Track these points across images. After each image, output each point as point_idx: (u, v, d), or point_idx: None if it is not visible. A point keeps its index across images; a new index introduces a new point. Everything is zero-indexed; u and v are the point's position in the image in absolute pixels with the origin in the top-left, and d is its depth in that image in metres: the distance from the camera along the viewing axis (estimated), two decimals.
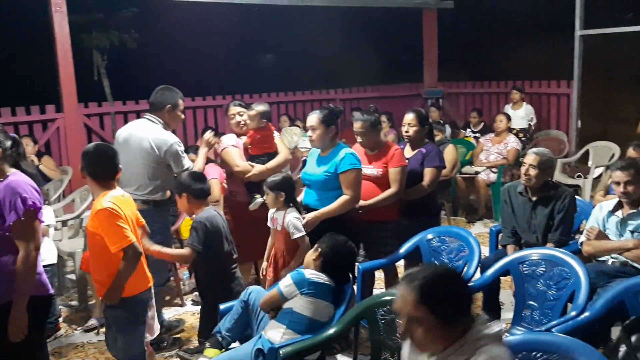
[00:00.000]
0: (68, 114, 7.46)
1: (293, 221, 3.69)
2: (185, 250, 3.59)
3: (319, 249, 3.14)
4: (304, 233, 3.68)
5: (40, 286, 2.82)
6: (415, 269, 1.88)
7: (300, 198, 4.02)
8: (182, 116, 4.17)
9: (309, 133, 3.86)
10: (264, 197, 3.97)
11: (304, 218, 3.74)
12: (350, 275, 3.25)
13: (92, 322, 4.52)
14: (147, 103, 8.37)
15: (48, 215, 4.50)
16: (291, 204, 3.80)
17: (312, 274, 3.05)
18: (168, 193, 4.14)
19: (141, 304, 3.11)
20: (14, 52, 11.21)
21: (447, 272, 1.88)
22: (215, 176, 5.41)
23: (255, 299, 3.20)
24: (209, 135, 4.27)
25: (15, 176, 2.73)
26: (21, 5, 7.95)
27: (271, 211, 3.91)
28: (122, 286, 2.96)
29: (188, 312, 4.74)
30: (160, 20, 11.33)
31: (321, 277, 3.04)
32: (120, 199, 3.02)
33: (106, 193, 2.99)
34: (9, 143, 2.78)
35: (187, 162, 3.97)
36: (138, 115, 8.39)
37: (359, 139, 4.13)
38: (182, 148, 3.98)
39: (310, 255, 3.17)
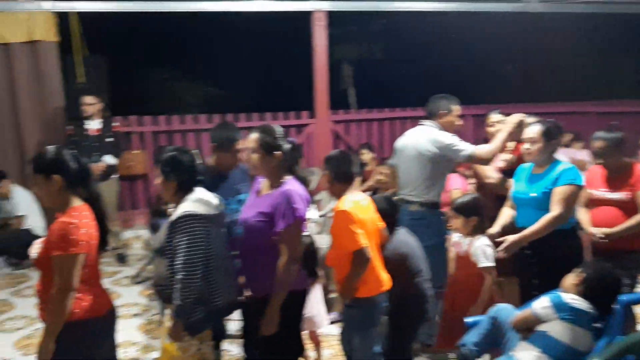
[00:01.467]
0: (319, 120, 8.06)
1: (483, 248, 3.46)
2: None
3: (583, 274, 2.92)
4: (493, 264, 3.44)
5: (299, 281, 3.02)
6: None
7: (505, 219, 3.78)
8: (458, 122, 4.23)
9: (527, 146, 3.61)
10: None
11: (500, 243, 3.45)
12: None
13: (332, 315, 4.80)
14: (390, 111, 8.78)
15: (311, 211, 4.91)
16: (482, 231, 3.55)
17: (572, 299, 2.84)
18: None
19: (375, 306, 3.23)
20: (278, 62, 12.47)
21: None
22: (457, 187, 5.36)
23: (505, 316, 3.09)
24: (518, 116, 4.03)
25: (290, 185, 2.93)
26: (285, 19, 8.78)
27: (455, 234, 3.70)
28: (352, 287, 3.12)
29: None
30: (404, 31, 11.62)
31: (582, 304, 2.82)
32: (359, 204, 3.19)
33: (346, 196, 3.19)
34: (288, 146, 3.00)
35: (466, 147, 3.97)
36: (380, 122, 8.79)
37: (598, 160, 3.80)
38: (457, 139, 4.05)
39: (571, 279, 2.96)
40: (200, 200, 2.93)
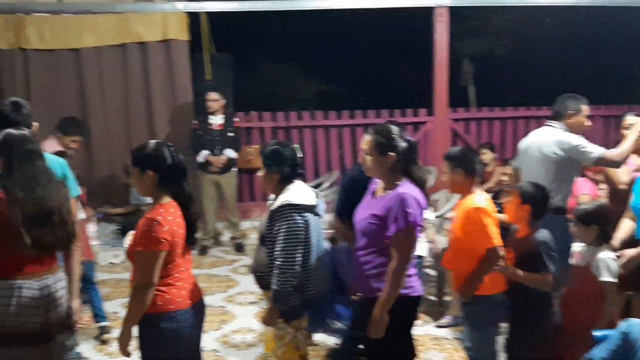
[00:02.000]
0: (438, 118, 7.92)
1: (606, 260, 3.19)
2: (544, 276, 3.23)
3: None
4: (615, 280, 3.17)
5: (410, 286, 2.92)
6: None
7: (624, 231, 3.51)
8: (586, 123, 4.08)
9: None
10: None
11: (618, 257, 3.23)
12: None
13: (447, 319, 4.69)
14: (513, 110, 8.44)
15: (427, 213, 4.87)
16: (606, 241, 3.29)
17: None
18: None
19: (495, 305, 3.18)
20: (395, 58, 12.38)
21: None
22: (586, 192, 5.05)
23: (638, 332, 2.85)
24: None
25: (404, 188, 2.83)
26: (404, 14, 8.71)
27: (577, 244, 3.45)
28: (476, 283, 3.09)
29: None
30: (528, 26, 11.11)
31: None
32: (489, 201, 3.15)
33: (474, 192, 3.16)
34: (404, 145, 2.88)
35: (594, 149, 3.83)
36: (502, 122, 8.47)
37: None
38: (584, 140, 3.91)
39: None
40: (299, 192, 3.06)
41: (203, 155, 6.57)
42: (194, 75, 7.46)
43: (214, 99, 6.68)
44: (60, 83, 7.28)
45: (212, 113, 6.69)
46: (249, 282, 5.64)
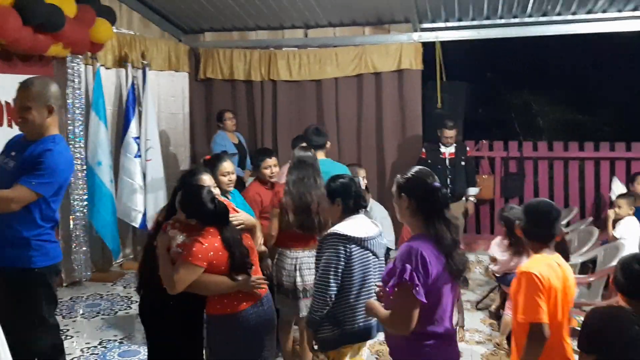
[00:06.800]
0: None
1: None
2: None
3: None
4: None
5: None
6: None
7: None
8: None
9: None
10: None
11: None
12: None
13: None
14: None
15: None
16: None
17: None
18: None
19: None
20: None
21: None
22: None
23: None
24: None
25: (414, 240, 2.47)
26: None
27: None
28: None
29: None
30: None
31: None
32: (552, 267, 2.71)
33: (537, 256, 2.77)
34: (422, 189, 2.57)
35: None
36: None
37: None
38: None
39: None
40: (353, 224, 3.09)
41: None
42: (425, 103, 7.47)
43: (450, 135, 6.55)
44: (302, 110, 7.82)
45: (444, 142, 6.61)
46: (474, 320, 5.42)
